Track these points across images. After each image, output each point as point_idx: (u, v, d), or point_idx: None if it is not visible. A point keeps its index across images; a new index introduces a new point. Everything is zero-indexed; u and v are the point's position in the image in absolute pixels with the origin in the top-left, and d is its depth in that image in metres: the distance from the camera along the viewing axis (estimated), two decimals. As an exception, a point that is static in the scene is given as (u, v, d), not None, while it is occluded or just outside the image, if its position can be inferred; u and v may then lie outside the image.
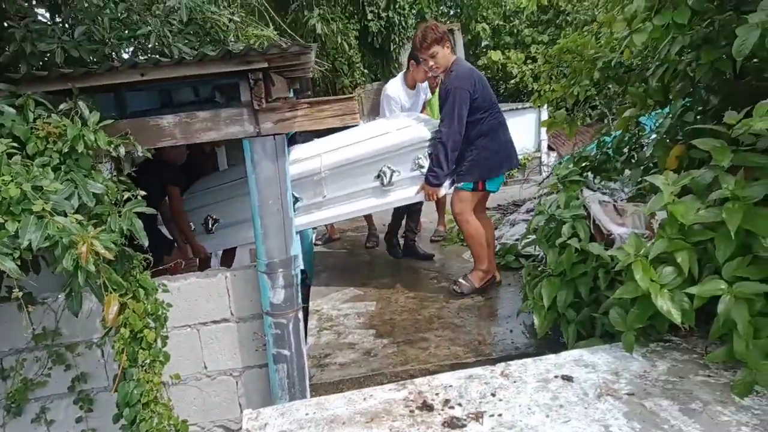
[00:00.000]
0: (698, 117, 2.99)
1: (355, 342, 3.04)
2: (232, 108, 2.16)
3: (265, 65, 2.04)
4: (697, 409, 1.66)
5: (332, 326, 3.31)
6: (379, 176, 3.32)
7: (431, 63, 3.30)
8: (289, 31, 4.88)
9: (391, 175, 3.30)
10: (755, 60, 2.74)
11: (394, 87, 4.33)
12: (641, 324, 2.03)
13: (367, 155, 3.31)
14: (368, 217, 5.09)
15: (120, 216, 1.92)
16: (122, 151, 2.05)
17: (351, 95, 2.24)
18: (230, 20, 3.19)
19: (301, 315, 2.37)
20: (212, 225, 3.78)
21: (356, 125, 2.64)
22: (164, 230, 4.15)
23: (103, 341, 2.37)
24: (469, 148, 3.27)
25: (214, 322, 2.44)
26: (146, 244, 2.01)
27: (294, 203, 3.39)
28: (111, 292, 1.80)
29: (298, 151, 3.59)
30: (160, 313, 2.08)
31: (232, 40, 3.31)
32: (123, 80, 2.05)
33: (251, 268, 2.45)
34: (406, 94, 4.35)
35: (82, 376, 2.48)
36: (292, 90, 4.37)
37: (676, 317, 1.88)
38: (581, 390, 1.84)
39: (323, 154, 3.34)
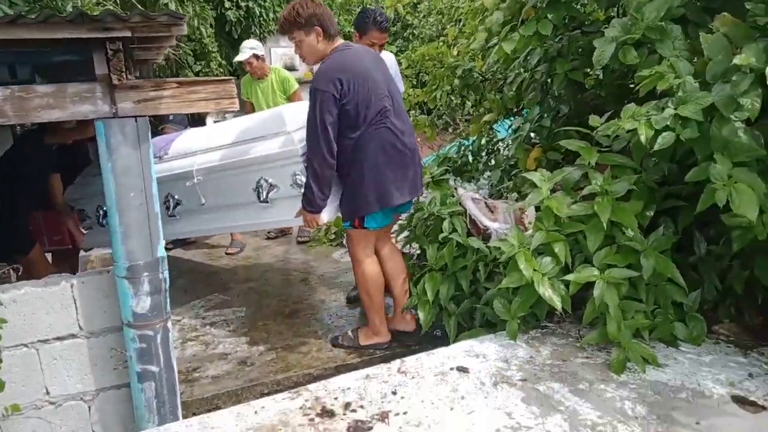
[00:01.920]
0: (552, 123, 3.28)
1: (227, 352, 2.78)
2: (81, 83, 1.80)
3: (128, 34, 1.73)
4: (584, 388, 1.77)
5: (198, 336, 3.00)
6: (256, 189, 2.70)
7: (298, 52, 2.61)
8: (138, 5, 4.35)
9: (269, 190, 2.66)
10: (592, 75, 3.11)
11: None
12: (524, 312, 2.13)
13: (240, 162, 2.72)
14: None
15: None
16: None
17: (229, 78, 2.01)
18: (68, -14, 2.72)
19: (170, 325, 2.07)
20: (174, 207, 3.05)
21: (234, 111, 2.32)
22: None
23: None
24: (339, 175, 2.52)
25: (58, 338, 2.01)
26: None
27: (174, 207, 2.97)
28: None
29: (180, 143, 3.15)
30: (-11, 332, 1.66)
31: (69, 9, 2.83)
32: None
33: (103, 273, 2.08)
34: None
35: None
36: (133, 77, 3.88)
37: (557, 303, 2.00)
38: (478, 380, 1.86)
39: (198, 153, 2.90)
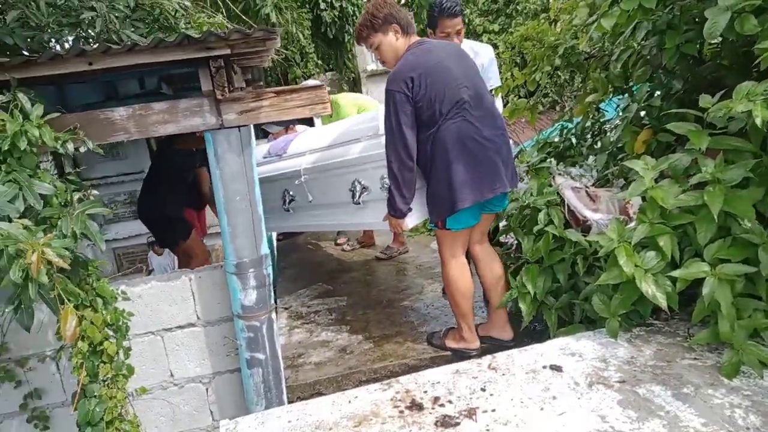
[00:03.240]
0: (662, 102, 3.02)
1: (329, 339, 2.94)
2: (191, 98, 2.00)
3: (228, 52, 1.88)
4: (689, 393, 1.65)
5: (303, 324, 3.20)
6: (351, 190, 2.75)
7: (379, 57, 2.56)
8: (243, 17, 4.66)
9: (362, 192, 2.69)
10: (712, 45, 2.80)
11: None
12: (625, 309, 2.02)
13: (338, 163, 2.80)
14: None
15: (72, 219, 1.73)
16: (70, 147, 1.86)
17: (321, 84, 2.11)
18: (181, 5, 2.98)
19: (275, 315, 2.24)
20: (289, 202, 3.27)
21: (327, 113, 2.41)
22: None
23: (58, 355, 2.17)
24: (429, 166, 2.41)
25: (180, 327, 2.27)
26: (103, 248, 1.84)
27: (289, 202, 3.19)
28: (67, 305, 1.63)
29: (297, 143, 3.35)
30: (120, 323, 1.91)
31: (183, 27, 3.10)
32: (68, 70, 1.84)
33: (217, 268, 2.30)
34: None
35: (36, 393, 2.26)
36: (244, 81, 4.17)
37: (662, 301, 1.87)
38: (572, 379, 1.81)
39: (308, 153, 3.05)
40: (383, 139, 2.45)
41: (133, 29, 2.50)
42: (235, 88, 1.97)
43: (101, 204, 1.82)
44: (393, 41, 2.43)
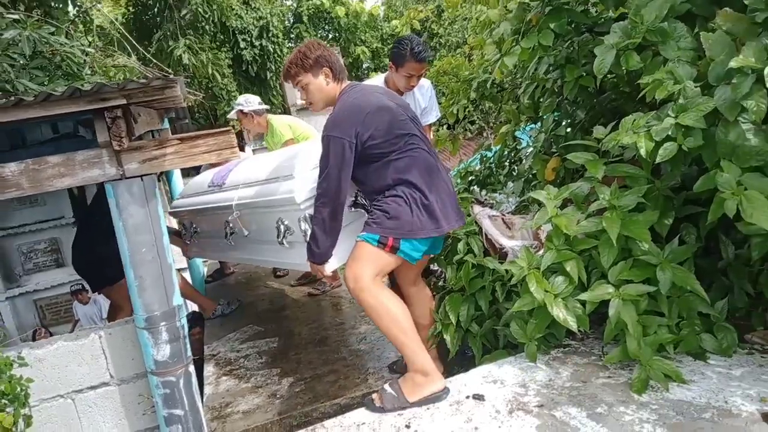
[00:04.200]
0: (568, 130, 3.20)
1: (258, 385, 2.84)
2: (89, 150, 1.91)
3: (124, 102, 1.82)
4: (602, 412, 1.71)
5: (232, 370, 3.08)
6: (276, 229, 2.61)
7: (305, 97, 2.41)
8: (154, 60, 4.58)
9: (285, 232, 2.56)
10: (612, 75, 3.00)
11: None
12: (541, 333, 2.09)
13: (262, 202, 2.68)
14: None
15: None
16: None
17: (227, 128, 2.08)
18: (84, 52, 2.87)
19: (192, 368, 2.14)
20: (230, 235, 3.16)
21: (237, 159, 2.34)
22: None
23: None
24: (387, 190, 2.22)
25: (92, 387, 2.13)
26: None
27: (230, 234, 3.06)
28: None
29: (234, 173, 3.28)
30: (18, 390, 1.77)
31: (88, 72, 2.99)
32: (-52, 124, 1.73)
33: (128, 323, 2.18)
34: None
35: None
36: (166, 119, 4.06)
37: (572, 324, 1.95)
38: (493, 408, 1.83)
39: (241, 187, 2.98)
40: (296, 183, 2.41)
41: (30, 78, 2.38)
42: (136, 137, 1.91)
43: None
44: (323, 84, 2.33)
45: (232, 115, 4.50)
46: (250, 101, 4.43)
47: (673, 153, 1.73)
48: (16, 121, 1.70)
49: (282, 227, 2.58)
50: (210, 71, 6.16)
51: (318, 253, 2.23)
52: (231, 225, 3.08)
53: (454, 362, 2.67)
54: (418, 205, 2.17)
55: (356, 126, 2.14)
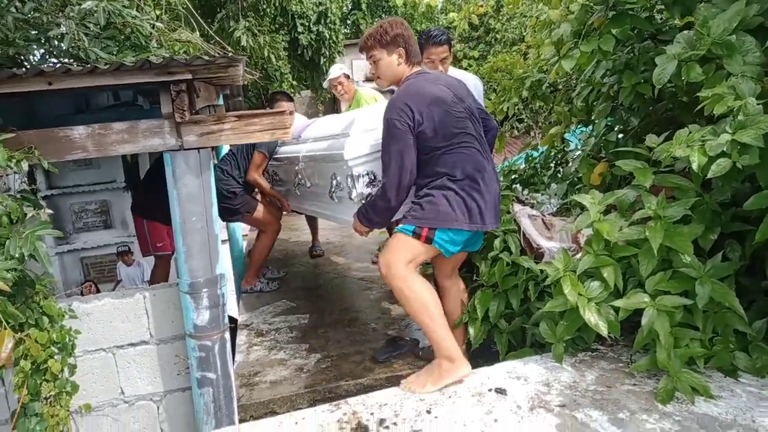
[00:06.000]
0: (620, 136, 3.15)
1: (286, 358, 2.94)
2: (152, 119, 2.02)
3: (189, 77, 1.92)
4: (624, 418, 1.71)
5: (263, 342, 3.19)
6: (330, 183, 2.76)
7: (374, 72, 2.45)
8: (216, 38, 4.72)
9: (335, 187, 2.70)
10: (671, 85, 2.93)
11: None
12: (570, 336, 2.08)
13: (321, 156, 2.88)
14: (313, 225, 4.98)
15: (21, 239, 1.72)
16: (24, 166, 1.85)
17: (283, 110, 2.15)
18: (152, 26, 3.01)
19: (228, 335, 2.24)
20: (297, 185, 3.44)
21: (287, 138, 2.43)
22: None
23: (1, 372, 2.14)
24: (429, 184, 2.25)
25: (132, 344, 2.26)
26: (51, 270, 1.84)
27: (297, 184, 3.32)
28: (5, 328, 1.61)
29: (311, 129, 3.52)
30: (67, 340, 1.90)
31: (155, 45, 3.13)
32: (27, 89, 1.84)
33: (172, 287, 2.30)
34: None
35: (-21, 409, 2.22)
36: (222, 96, 4.20)
37: (603, 329, 1.94)
38: (515, 403, 1.85)
39: (309, 141, 3.19)
40: (349, 141, 2.53)
41: (102, 47, 2.51)
42: (197, 111, 2.00)
43: (50, 225, 1.81)
44: (394, 64, 2.36)
45: (334, 73, 4.60)
46: (344, 69, 4.68)
47: (726, 169, 1.69)
48: (89, 87, 1.82)
49: (334, 182, 2.74)
50: (266, 53, 6.30)
51: (370, 219, 2.39)
52: (299, 176, 3.31)
53: (479, 356, 2.70)
54: (456, 198, 2.19)
55: (414, 113, 2.19)
